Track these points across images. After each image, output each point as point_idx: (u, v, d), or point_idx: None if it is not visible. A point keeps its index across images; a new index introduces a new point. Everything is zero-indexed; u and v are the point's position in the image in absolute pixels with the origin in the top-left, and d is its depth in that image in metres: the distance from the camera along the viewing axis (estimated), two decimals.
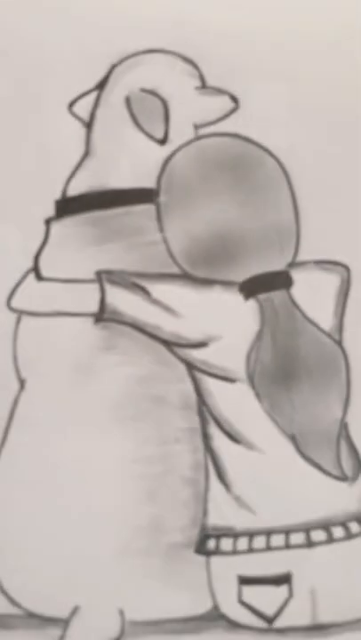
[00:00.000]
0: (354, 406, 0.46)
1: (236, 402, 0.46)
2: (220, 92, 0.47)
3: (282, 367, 0.46)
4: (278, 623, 0.46)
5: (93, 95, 0.47)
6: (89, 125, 0.47)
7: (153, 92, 0.47)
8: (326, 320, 0.46)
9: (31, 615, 0.47)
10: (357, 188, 0.46)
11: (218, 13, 0.46)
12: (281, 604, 0.45)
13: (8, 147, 0.46)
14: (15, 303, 0.46)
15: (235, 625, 0.46)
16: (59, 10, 0.46)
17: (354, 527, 0.45)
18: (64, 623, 0.47)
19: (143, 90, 0.47)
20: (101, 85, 0.47)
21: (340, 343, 0.46)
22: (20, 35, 0.46)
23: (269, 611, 0.45)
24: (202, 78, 0.47)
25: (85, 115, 0.47)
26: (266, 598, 0.45)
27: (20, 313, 0.47)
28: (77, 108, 0.47)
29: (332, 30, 0.47)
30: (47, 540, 0.45)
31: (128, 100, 0.47)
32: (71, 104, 0.47)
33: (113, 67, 0.47)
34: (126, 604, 0.46)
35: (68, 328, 0.47)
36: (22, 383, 0.47)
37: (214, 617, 0.47)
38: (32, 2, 0.47)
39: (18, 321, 0.47)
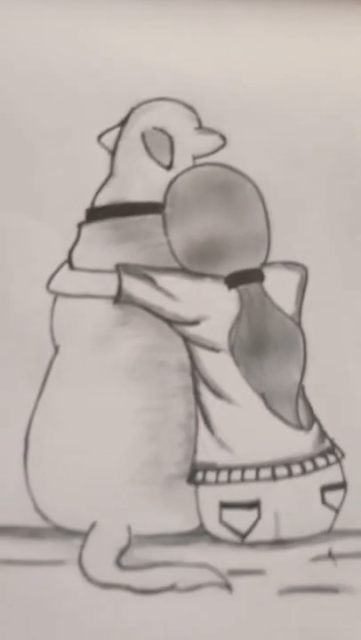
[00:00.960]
0: (309, 373, 0.52)
1: (220, 367, 0.52)
2: (212, 131, 0.53)
3: (255, 341, 0.52)
4: (249, 538, 0.51)
5: (117, 130, 0.53)
6: (113, 153, 0.53)
7: (162, 130, 0.54)
8: (289, 307, 0.53)
9: (58, 528, 0.50)
10: (314, 208, 0.53)
11: (213, 72, 0.54)
12: (252, 523, 0.51)
13: (50, 167, 0.53)
14: (52, 287, 0.52)
15: (216, 539, 0.51)
16: (91, 66, 0.54)
17: (308, 465, 0.51)
18: (84, 535, 0.50)
19: (155, 128, 0.54)
20: (123, 123, 0.53)
21: (299, 325, 0.53)
22: (63, 82, 0.53)
23: (243, 528, 0.51)
24: (199, 121, 0.53)
25: (111, 145, 0.53)
26: (240, 519, 0.51)
27: (57, 294, 0.52)
28: (105, 140, 0.53)
29: (301, 86, 0.54)
30: (73, 470, 0.50)
31: (143, 136, 0.54)
32: (100, 137, 0.53)
33: (132, 109, 0.53)
34: (133, 521, 0.50)
35: (92, 307, 0.52)
36: (56, 349, 0.52)
37: (200, 533, 0.51)
38: (73, 60, 0.53)
39: (54, 301, 0.52)
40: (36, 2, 0.54)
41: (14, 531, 0.50)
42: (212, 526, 0.51)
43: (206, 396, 0.52)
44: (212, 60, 0.54)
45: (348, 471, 0.52)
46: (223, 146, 0.53)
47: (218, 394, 0.52)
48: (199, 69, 0.53)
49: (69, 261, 0.52)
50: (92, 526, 0.50)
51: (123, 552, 0.50)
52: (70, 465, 0.51)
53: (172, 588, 0.50)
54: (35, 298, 0.52)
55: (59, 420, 0.51)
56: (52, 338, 0.52)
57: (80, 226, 0.52)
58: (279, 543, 0.51)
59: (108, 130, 0.53)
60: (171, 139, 0.53)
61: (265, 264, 0.53)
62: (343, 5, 0.55)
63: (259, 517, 0.51)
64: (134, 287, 0.52)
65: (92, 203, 0.53)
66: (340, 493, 0.51)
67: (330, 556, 0.51)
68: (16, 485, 0.50)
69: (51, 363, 0.52)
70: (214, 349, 0.52)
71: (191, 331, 0.52)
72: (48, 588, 0.50)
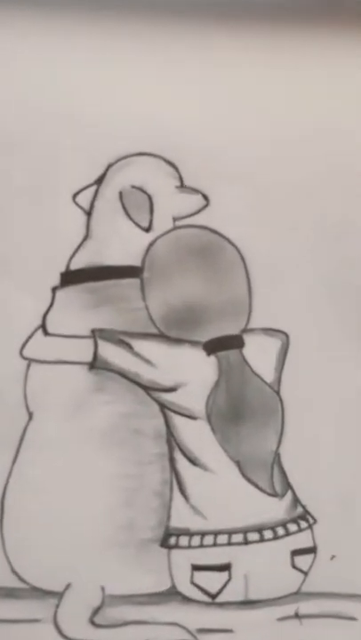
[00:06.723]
0: (286, 441, 0.53)
1: (196, 434, 0.52)
2: (194, 191, 0.52)
3: (232, 409, 0.53)
4: (219, 599, 0.53)
5: (93, 189, 0.52)
6: (89, 214, 0.53)
7: (141, 189, 0.53)
8: (269, 374, 0.53)
9: (35, 589, 0.52)
10: (297, 273, 0.53)
11: (197, 125, 0.52)
12: (222, 585, 0.52)
13: (23, 229, 0.52)
14: (26, 353, 0.52)
15: (187, 599, 0.52)
16: (68, 117, 0.52)
17: (280, 531, 0.52)
18: (59, 595, 0.52)
19: (133, 186, 0.53)
20: (100, 181, 0.52)
21: (278, 392, 0.53)
22: (37, 137, 0.52)
23: (213, 589, 0.52)
24: (181, 179, 0.53)
25: (86, 205, 0.52)
26: (211, 580, 0.52)
27: (30, 361, 0.52)
28: (80, 199, 0.52)
29: (291, 144, 0.53)
30: (48, 534, 0.52)
31: (121, 195, 0.53)
32: (75, 196, 0.52)
33: (109, 166, 0.52)
34: (107, 582, 0.52)
35: (67, 373, 0.52)
36: (30, 415, 0.52)
37: (172, 593, 0.53)
38: (46, 110, 0.51)
39: (28, 367, 0.52)
40: (14, 46, 0.51)
41: None
42: (184, 587, 0.53)
43: (182, 463, 0.53)
44: (197, 111, 0.52)
45: (319, 537, 0.53)
46: (205, 206, 0.52)
47: (193, 461, 0.53)
48: (182, 121, 0.52)
49: (43, 326, 0.52)
50: (67, 587, 0.52)
51: (96, 611, 0.52)
52: (46, 528, 0.52)
53: None
54: (8, 364, 0.52)
55: (34, 485, 0.52)
56: (26, 404, 0.52)
57: (54, 290, 0.52)
58: (248, 604, 0.53)
59: (84, 188, 0.52)
60: (150, 198, 0.53)
61: (245, 330, 0.53)
62: (339, 55, 0.52)
63: (229, 579, 0.52)
64: (110, 353, 0.52)
65: (67, 266, 0.52)
66: (309, 557, 0.53)
67: (296, 616, 0.53)
68: None
69: (25, 429, 0.53)
70: (191, 417, 0.52)
71: (168, 397, 0.52)
72: None
